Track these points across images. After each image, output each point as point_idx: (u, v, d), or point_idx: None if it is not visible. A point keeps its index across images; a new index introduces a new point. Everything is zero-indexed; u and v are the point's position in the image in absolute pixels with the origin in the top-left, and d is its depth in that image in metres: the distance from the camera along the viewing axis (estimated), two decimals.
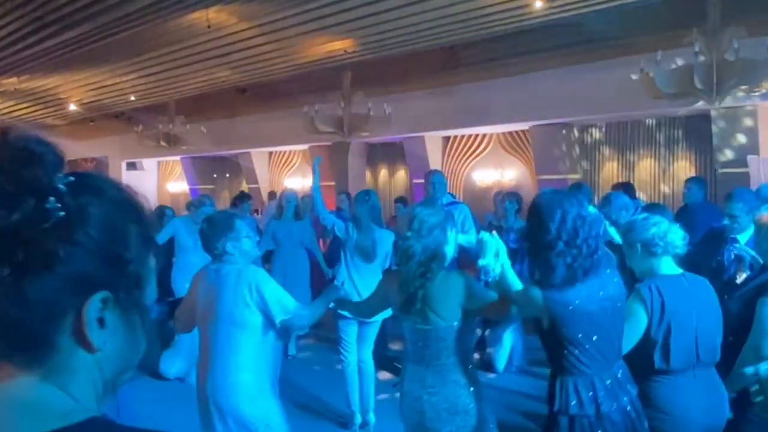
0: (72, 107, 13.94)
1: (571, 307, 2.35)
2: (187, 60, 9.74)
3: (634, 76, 6.52)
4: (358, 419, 4.75)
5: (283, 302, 2.97)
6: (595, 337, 2.37)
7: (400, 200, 9.28)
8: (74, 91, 12.38)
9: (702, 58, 6.06)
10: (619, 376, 2.44)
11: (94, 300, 0.67)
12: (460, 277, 2.77)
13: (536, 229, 2.40)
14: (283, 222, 6.45)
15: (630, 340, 2.56)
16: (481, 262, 2.59)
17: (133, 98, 12.88)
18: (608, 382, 2.40)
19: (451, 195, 6.03)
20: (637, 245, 2.71)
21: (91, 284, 0.67)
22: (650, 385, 2.60)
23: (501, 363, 5.86)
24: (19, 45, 8.94)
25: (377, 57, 9.46)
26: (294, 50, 9.15)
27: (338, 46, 8.96)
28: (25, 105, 13.88)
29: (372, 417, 4.78)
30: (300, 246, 6.50)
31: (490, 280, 2.62)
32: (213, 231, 3.02)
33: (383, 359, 5.69)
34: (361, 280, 4.74)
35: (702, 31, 6.13)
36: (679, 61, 6.27)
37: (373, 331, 4.77)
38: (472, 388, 2.73)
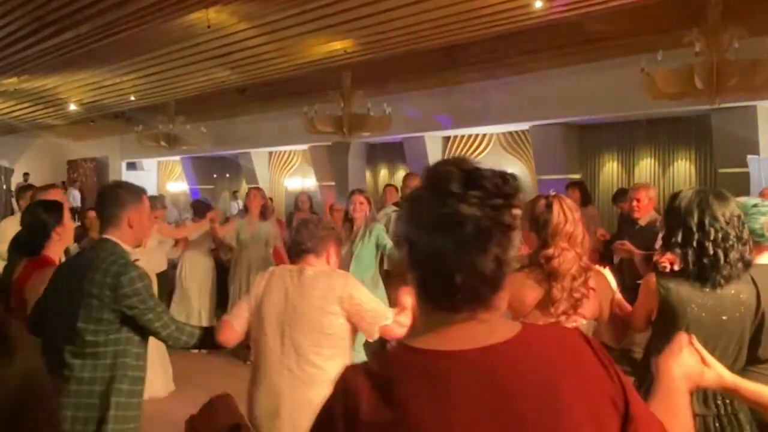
0: (72, 107, 13.94)
1: (696, 308, 2.28)
2: (187, 60, 9.74)
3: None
4: None
5: (378, 312, 2.71)
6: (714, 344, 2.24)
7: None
8: (74, 91, 12.38)
9: (702, 58, 6.06)
10: None
11: None
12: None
13: (705, 220, 2.29)
14: (248, 221, 6.40)
15: None
16: None
17: (133, 98, 12.88)
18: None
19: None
20: None
21: None
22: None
23: None
24: (19, 45, 8.94)
25: (377, 57, 9.46)
26: (294, 50, 9.14)
27: (338, 46, 8.96)
28: (25, 105, 13.88)
29: None
30: (265, 246, 6.44)
31: None
32: (327, 233, 2.84)
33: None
34: None
35: (702, 31, 6.12)
36: (679, 61, 6.27)
37: None
38: None
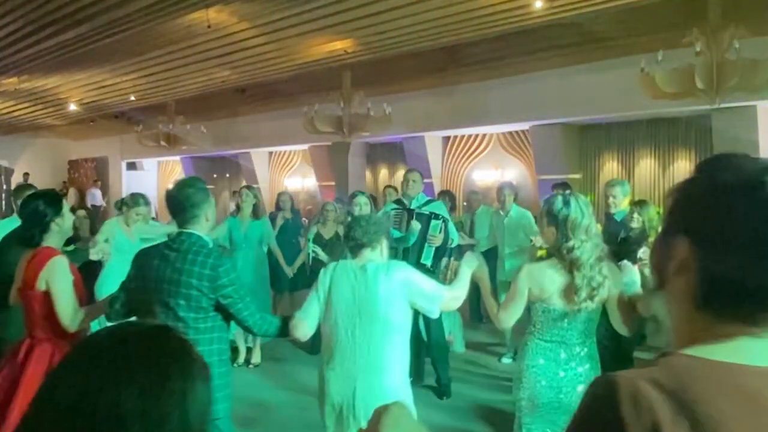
0: (72, 107, 13.95)
1: None
2: (187, 60, 9.75)
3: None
4: None
5: (435, 292, 2.92)
6: None
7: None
8: (74, 91, 12.38)
9: (702, 58, 6.06)
10: None
11: None
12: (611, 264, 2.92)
13: None
14: (241, 220, 6.40)
15: None
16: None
17: (133, 98, 12.89)
18: None
19: (423, 194, 6.21)
20: None
21: None
22: None
23: (460, 345, 6.42)
24: (19, 45, 8.94)
25: (377, 57, 9.46)
26: (294, 50, 9.15)
27: (338, 46, 8.96)
28: (25, 105, 13.89)
29: None
30: (259, 245, 6.42)
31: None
32: (379, 228, 3.05)
33: None
34: None
35: (702, 31, 6.13)
36: (679, 61, 6.28)
37: None
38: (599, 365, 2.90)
